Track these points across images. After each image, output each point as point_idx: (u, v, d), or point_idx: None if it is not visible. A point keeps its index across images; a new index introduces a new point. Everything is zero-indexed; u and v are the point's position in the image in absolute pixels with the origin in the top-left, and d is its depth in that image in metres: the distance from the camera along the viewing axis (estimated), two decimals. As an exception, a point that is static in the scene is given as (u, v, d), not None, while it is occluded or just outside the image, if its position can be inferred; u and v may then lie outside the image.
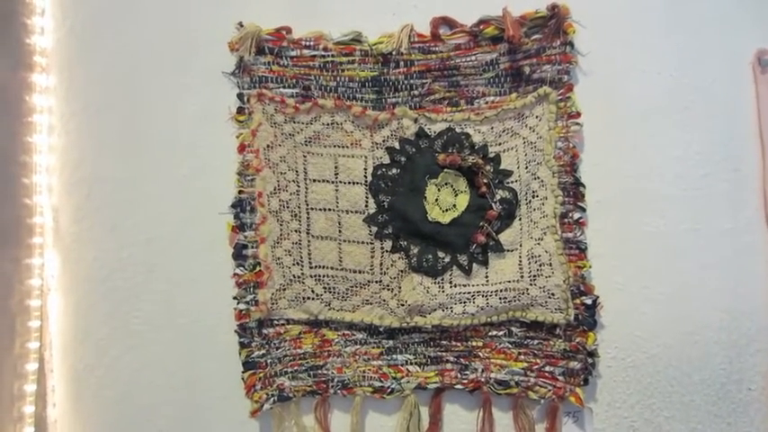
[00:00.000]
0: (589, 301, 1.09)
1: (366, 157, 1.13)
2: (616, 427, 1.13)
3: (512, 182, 1.11)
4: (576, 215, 1.10)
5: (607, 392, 1.13)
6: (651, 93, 1.14)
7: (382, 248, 1.12)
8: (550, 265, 1.08)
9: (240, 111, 1.16)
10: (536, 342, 1.11)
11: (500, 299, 1.09)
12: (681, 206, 1.13)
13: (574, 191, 1.10)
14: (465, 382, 1.11)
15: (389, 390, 1.12)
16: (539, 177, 1.10)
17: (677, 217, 1.13)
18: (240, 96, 1.16)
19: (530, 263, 1.09)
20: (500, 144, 1.12)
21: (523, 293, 1.08)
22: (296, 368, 1.14)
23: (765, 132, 1.12)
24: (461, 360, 1.12)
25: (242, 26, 1.14)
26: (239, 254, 1.14)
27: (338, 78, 1.14)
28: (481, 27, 1.12)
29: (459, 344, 1.12)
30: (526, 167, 1.11)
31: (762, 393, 1.11)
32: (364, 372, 1.13)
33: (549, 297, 1.08)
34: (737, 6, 1.15)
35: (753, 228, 1.13)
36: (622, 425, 1.13)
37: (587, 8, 1.12)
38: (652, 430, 1.12)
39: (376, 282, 1.12)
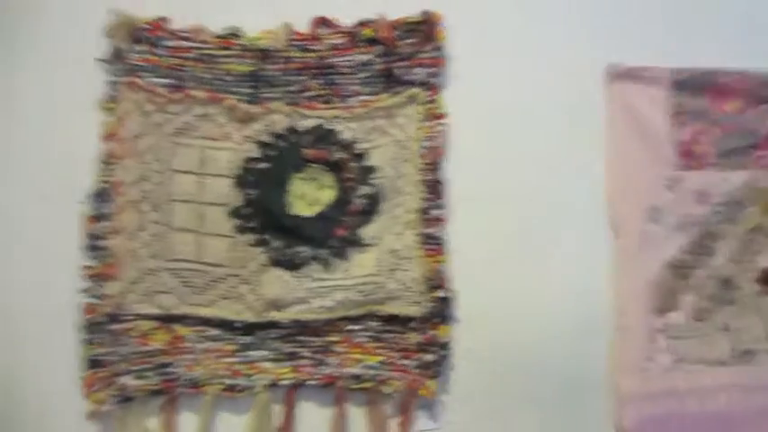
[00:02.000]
0: (444, 295, 1.13)
1: (236, 150, 1.12)
2: (470, 418, 1.16)
3: (377, 178, 1.13)
4: (437, 211, 1.14)
5: (462, 385, 1.16)
6: (514, 97, 1.21)
7: (244, 242, 1.10)
8: (409, 259, 1.11)
9: (110, 99, 1.12)
10: (392, 336, 1.13)
11: (358, 292, 1.10)
12: (535, 206, 1.20)
13: (435, 188, 1.14)
14: (319, 377, 1.11)
15: (241, 388, 1.10)
16: (404, 174, 1.13)
17: (532, 216, 1.20)
18: (112, 84, 1.12)
19: (389, 257, 1.12)
20: (369, 141, 1.14)
21: (381, 287, 1.10)
22: (142, 366, 1.08)
23: (610, 141, 1.22)
24: (317, 355, 1.12)
25: (117, 14, 1.12)
26: (92, 245, 1.09)
27: (214, 71, 1.13)
28: (358, 29, 1.15)
29: (316, 339, 1.12)
30: (392, 165, 1.14)
31: (606, 381, 1.19)
32: (216, 369, 1.10)
33: (406, 291, 1.11)
34: (592, 19, 1.24)
35: (599, 225, 1.21)
36: (476, 416, 1.17)
37: (459, 15, 1.17)
38: (504, 420, 1.18)
39: (235, 276, 1.10)
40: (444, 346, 1.12)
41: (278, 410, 1.13)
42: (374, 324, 1.13)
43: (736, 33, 1.27)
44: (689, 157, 1.23)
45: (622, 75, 1.21)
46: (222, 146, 1.12)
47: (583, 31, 1.23)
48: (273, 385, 1.11)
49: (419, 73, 1.13)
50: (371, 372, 1.11)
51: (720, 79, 1.24)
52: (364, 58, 1.13)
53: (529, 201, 1.20)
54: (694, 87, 1.23)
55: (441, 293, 1.12)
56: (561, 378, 1.19)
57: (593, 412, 1.19)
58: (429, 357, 1.12)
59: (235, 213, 1.10)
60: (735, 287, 1.24)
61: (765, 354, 1.24)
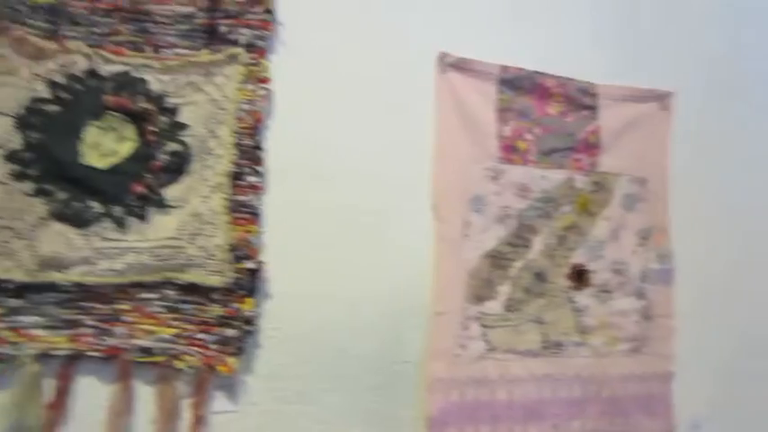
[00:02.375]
0: (252, 266, 1.07)
1: (21, 87, 0.99)
2: (272, 399, 1.10)
3: (187, 136, 1.05)
4: (253, 179, 1.08)
5: (265, 364, 1.10)
6: (346, 75, 1.19)
7: (21, 191, 0.97)
8: (213, 224, 1.04)
9: None
10: (191, 307, 1.04)
11: (154, 257, 1.01)
12: (358, 183, 1.18)
13: (253, 154, 1.09)
14: (102, 348, 0.99)
15: (4, 357, 0.95)
16: (218, 136, 1.07)
17: (354, 193, 1.18)
18: None
19: (192, 221, 1.04)
20: (181, 97, 1.06)
21: (180, 252, 1.02)
22: None
23: (438, 128, 1.23)
24: (102, 324, 1.00)
25: None
26: None
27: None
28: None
29: (102, 306, 1.01)
30: (205, 124, 1.07)
31: (418, 366, 1.18)
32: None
33: (208, 258, 1.03)
34: (430, 5, 1.26)
35: (422, 212, 1.22)
36: (278, 397, 1.10)
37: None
38: (308, 402, 1.12)
39: (7, 228, 0.96)
40: (249, 321, 1.05)
41: (50, 385, 0.99)
42: (171, 293, 1.03)
43: (565, 40, 1.36)
44: (512, 152, 1.28)
45: (453, 65, 1.24)
46: (6, 81, 0.99)
47: (419, 17, 1.25)
48: (45, 356, 0.98)
49: (245, 33, 1.09)
50: (164, 345, 1.02)
51: (545, 82, 1.31)
52: (185, 10, 1.07)
53: (352, 179, 1.18)
54: (521, 87, 1.30)
55: (249, 264, 1.06)
56: (374, 362, 1.16)
57: (405, 398, 1.17)
58: (231, 332, 1.04)
59: (11, 157, 0.98)
60: (547, 281, 1.29)
61: (574, 346, 1.30)
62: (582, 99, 1.34)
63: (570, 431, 1.27)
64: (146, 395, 1.03)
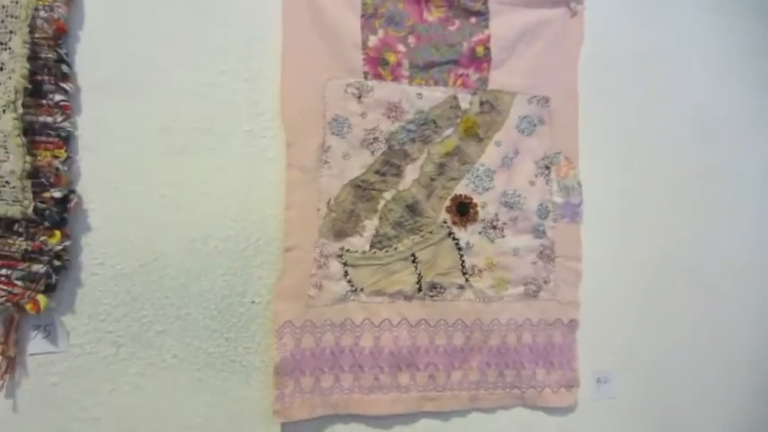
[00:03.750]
0: (59, 195, 0.95)
1: None
2: (98, 342, 1.00)
3: (-30, 47, 0.94)
4: (58, 97, 0.96)
5: (89, 304, 1.00)
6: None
7: None
8: (5, 148, 0.92)
9: None
10: (-9, 240, 0.95)
11: (-63, 183, 0.92)
12: (193, 103, 1.04)
13: (56, 69, 0.96)
14: None
15: None
16: (9, 48, 0.94)
17: (188, 114, 1.04)
18: None
19: (-20, 144, 0.93)
20: (-35, 3, 0.94)
21: (-32, 178, 0.92)
22: None
23: (289, 34, 1.07)
24: None
25: None
26: None
27: None
28: None
29: None
30: (-6, 33, 0.95)
31: (266, 307, 1.07)
32: None
33: (3, 185, 0.92)
34: None
35: (269, 132, 1.08)
36: (106, 340, 1.01)
37: None
38: (140, 346, 1.02)
39: None
40: (58, 255, 0.95)
41: None
42: (-33, 225, 0.94)
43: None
44: (379, 66, 1.11)
45: (305, -36, 1.08)
46: None
47: None
48: None
49: (42, -74, 0.95)
50: (-43, 282, 0.93)
51: (420, -17, 1.14)
52: None
53: (182, 99, 1.04)
54: (391, -12, 1.13)
55: (54, 193, 0.95)
56: (213, 301, 1.05)
57: (252, 341, 1.06)
58: (38, 268, 0.94)
59: None
60: (423, 215, 1.14)
61: (456, 289, 1.16)
62: (468, 3, 1.15)
63: (450, 382, 1.15)
64: (-54, 336, 0.96)
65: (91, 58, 1.00)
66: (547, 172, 1.21)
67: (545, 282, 1.21)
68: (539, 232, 1.20)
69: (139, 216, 1.02)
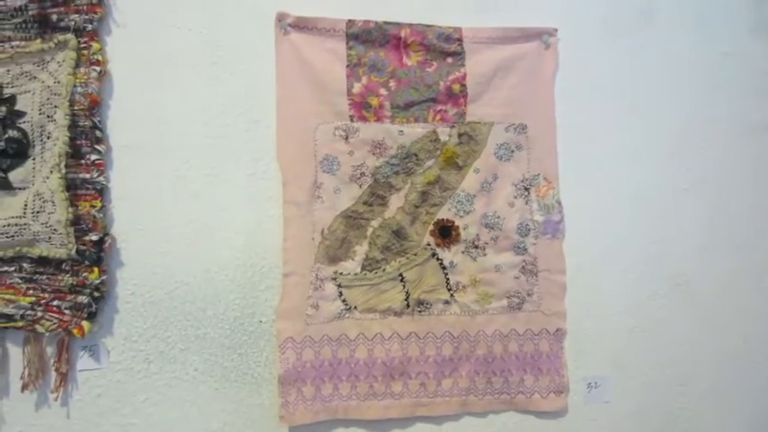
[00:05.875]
0: (96, 238, 1.15)
1: None
2: (132, 359, 1.19)
3: (24, 122, 1.14)
4: (93, 157, 1.16)
5: (124, 327, 1.19)
6: (182, 47, 1.22)
7: None
8: (53, 202, 1.13)
9: None
10: (45, 277, 1.15)
11: (3, 235, 1.12)
12: (203, 153, 1.22)
13: (91, 134, 1.16)
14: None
15: None
16: (55, 120, 1.15)
17: (200, 163, 1.22)
18: None
19: (34, 200, 1.13)
20: (17, 86, 1.15)
21: (25, 229, 1.12)
22: None
23: (282, 88, 1.23)
24: (-40, 296, 1.15)
25: None
26: None
27: None
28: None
29: (-39, 279, 1.15)
30: (41, 110, 1.15)
31: (272, 326, 1.23)
32: None
33: (52, 233, 1.13)
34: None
35: (269, 175, 1.23)
36: (139, 357, 1.20)
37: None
38: (167, 362, 1.20)
39: None
40: (98, 288, 1.15)
41: None
42: (26, 266, 1.15)
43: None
44: (363, 109, 1.25)
45: (294, 25, 1.22)
46: None
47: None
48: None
49: (75, 19, 1.15)
50: (23, 312, 1.14)
51: (398, 32, 1.26)
52: (18, 3, 1.14)
53: (194, 151, 1.21)
54: (371, 39, 1.25)
55: (93, 236, 1.15)
56: (227, 321, 1.22)
57: (260, 356, 1.22)
58: (82, 299, 1.15)
59: None
60: (407, 238, 1.26)
61: (442, 304, 1.27)
62: (444, 46, 1.27)
63: (441, 389, 1.26)
64: (17, 356, 1.17)
65: (119, 123, 1.20)
66: (526, 193, 1.31)
67: (528, 294, 1.30)
68: (519, 249, 1.30)
69: (162, 252, 1.21)
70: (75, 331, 1.15)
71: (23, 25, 1.15)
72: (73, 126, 1.15)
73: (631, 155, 1.37)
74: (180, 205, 1.21)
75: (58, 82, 1.15)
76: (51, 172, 1.14)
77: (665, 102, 1.39)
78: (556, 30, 1.32)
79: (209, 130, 1.23)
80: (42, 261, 1.15)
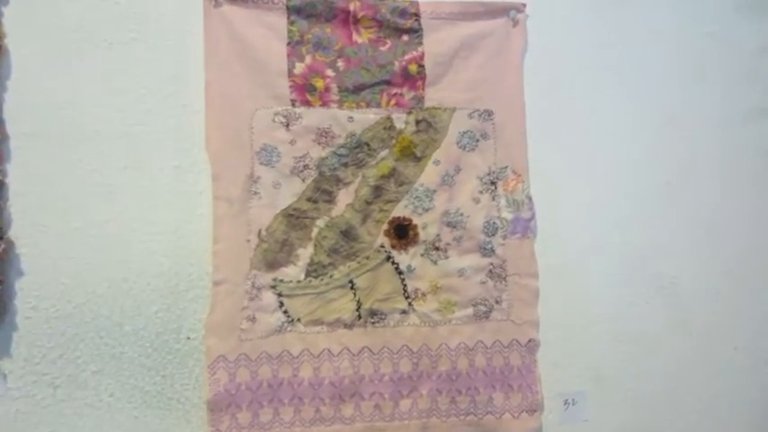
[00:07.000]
0: (-14, 242, 0.98)
1: None
2: (34, 385, 1.01)
3: None
4: (-15, 147, 1.00)
5: (25, 347, 1.01)
6: (94, 19, 1.05)
7: None
8: (-69, 199, 0.96)
9: None
10: None
11: None
12: (120, 143, 1.05)
13: (-16, 120, 1.00)
14: None
15: None
16: (-64, 102, 0.99)
17: (116, 155, 1.05)
18: None
19: None
20: None
21: None
22: None
23: (210, 69, 1.07)
24: None
25: None
26: None
27: None
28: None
29: None
30: None
31: (201, 342, 1.06)
32: None
33: (-69, 236, 0.96)
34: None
35: (197, 167, 1.07)
36: (42, 382, 1.01)
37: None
38: (77, 387, 1.02)
39: None
40: (-20, 302, 0.98)
41: None
42: None
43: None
44: (306, 93, 1.10)
45: (227, -1, 1.08)
46: None
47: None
48: None
49: (-37, -15, 0.99)
50: None
51: (346, 6, 1.11)
52: None
53: (108, 140, 1.05)
54: (316, 13, 1.10)
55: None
56: (148, 338, 1.05)
57: (189, 378, 1.05)
58: (-30, 314, 0.98)
59: None
60: (358, 240, 1.11)
61: (399, 314, 1.12)
62: (399, 22, 1.12)
63: (399, 411, 1.10)
64: None
65: (18, 107, 1.02)
66: (493, 188, 1.16)
67: (497, 302, 1.15)
68: (486, 250, 1.15)
69: (71, 258, 1.03)
70: (-42, 353, 0.98)
71: None
72: (-42, 110, 0.99)
73: (609, 145, 1.24)
74: (92, 203, 1.04)
75: (-60, 58, 0.98)
76: (-70, 164, 0.97)
77: (645, 87, 1.27)
78: (524, 5, 1.18)
79: (126, 116, 1.06)
80: None
